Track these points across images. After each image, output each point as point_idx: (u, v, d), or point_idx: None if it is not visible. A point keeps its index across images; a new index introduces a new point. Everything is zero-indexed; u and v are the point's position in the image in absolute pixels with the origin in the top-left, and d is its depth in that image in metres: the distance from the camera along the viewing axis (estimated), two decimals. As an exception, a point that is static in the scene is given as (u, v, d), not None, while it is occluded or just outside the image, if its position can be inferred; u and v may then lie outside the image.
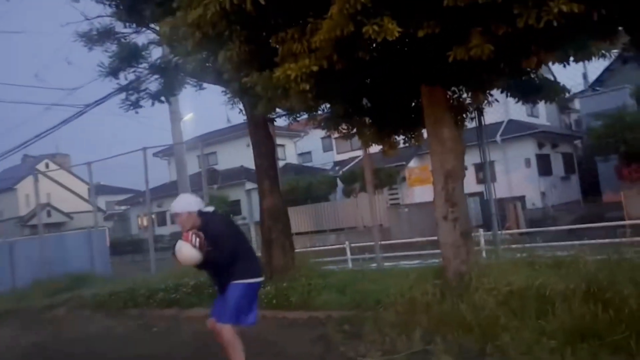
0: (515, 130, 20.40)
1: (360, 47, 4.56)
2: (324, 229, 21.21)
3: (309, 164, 33.32)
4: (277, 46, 4.90)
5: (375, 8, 4.05)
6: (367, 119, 7.13)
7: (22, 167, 42.96)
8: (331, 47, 4.52)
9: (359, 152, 24.96)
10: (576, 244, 7.95)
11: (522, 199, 18.17)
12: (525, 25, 4.12)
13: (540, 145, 21.10)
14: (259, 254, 10.49)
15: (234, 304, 4.10)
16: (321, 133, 30.95)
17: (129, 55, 9.02)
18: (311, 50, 4.67)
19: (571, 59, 5.06)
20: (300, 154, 34.44)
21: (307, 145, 33.43)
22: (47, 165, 43.25)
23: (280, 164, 31.39)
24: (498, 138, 20.20)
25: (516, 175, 20.01)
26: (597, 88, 25.48)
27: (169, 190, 32.15)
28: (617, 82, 20.55)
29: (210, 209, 4.46)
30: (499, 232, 7.55)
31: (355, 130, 7.41)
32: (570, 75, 16.15)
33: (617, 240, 7.88)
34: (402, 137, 7.46)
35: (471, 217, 20.71)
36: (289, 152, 32.30)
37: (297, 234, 20.99)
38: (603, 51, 5.03)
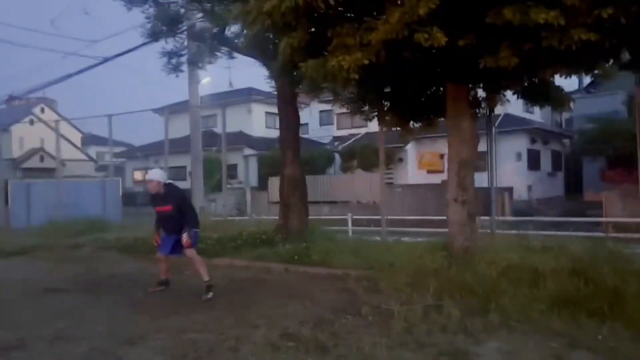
0: (511, 124, 21.27)
1: (407, 48, 5.35)
2: (318, 200, 22.09)
3: (305, 136, 34.01)
4: (333, 38, 5.65)
5: (427, 19, 4.82)
6: (387, 104, 7.96)
7: (19, 109, 42.92)
8: (382, 46, 5.29)
9: (359, 130, 25.81)
10: (560, 234, 9.03)
11: (510, 190, 19.19)
12: (548, 45, 4.95)
13: (533, 141, 22.10)
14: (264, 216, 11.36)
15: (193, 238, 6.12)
16: (320, 106, 31.70)
17: (169, 21, 9.65)
18: (362, 45, 5.44)
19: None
20: (298, 125, 35.00)
21: (305, 118, 34.01)
22: (42, 110, 43.32)
23: (277, 132, 32.17)
24: (494, 130, 21.10)
25: (506, 167, 21.00)
26: (592, 90, 26.50)
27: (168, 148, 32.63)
28: (610, 87, 21.46)
29: (169, 181, 6.39)
30: (496, 218, 8.47)
31: (376, 112, 8.26)
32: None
33: (596, 234, 8.94)
34: (418, 123, 8.28)
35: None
36: (287, 122, 32.85)
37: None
38: (607, 69, 5.90)
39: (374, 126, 25.77)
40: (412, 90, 7.26)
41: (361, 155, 22.29)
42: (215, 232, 9.35)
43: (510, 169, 20.97)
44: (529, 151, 21.75)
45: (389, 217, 15.48)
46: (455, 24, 5.10)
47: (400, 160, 22.91)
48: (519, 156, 21.37)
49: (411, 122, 8.23)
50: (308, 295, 5.77)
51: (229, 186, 27.75)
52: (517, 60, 5.19)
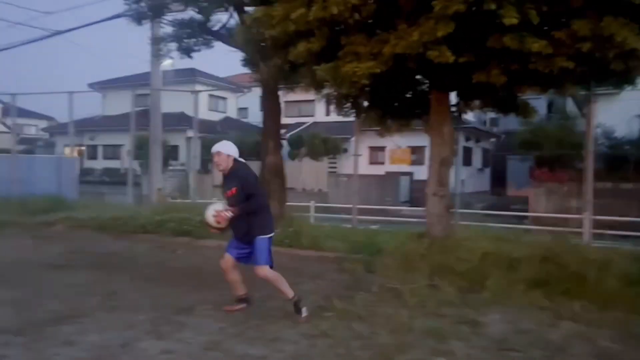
0: (448, 122, 22.86)
1: (412, 60, 6.10)
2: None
3: (245, 120, 34.14)
4: (344, 45, 6.28)
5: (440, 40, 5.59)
6: (366, 103, 8.70)
7: None
8: (392, 56, 6.01)
9: (306, 119, 26.44)
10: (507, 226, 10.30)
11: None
12: (534, 68, 5.88)
13: (467, 139, 23.84)
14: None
15: (265, 252, 4.77)
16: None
17: (155, 6, 9.83)
18: (372, 54, 6.13)
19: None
20: (239, 109, 35.09)
21: (246, 102, 34.12)
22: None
23: (220, 116, 32.02)
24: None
25: (443, 162, 22.60)
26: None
27: (102, 125, 31.64)
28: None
29: (242, 160, 4.89)
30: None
31: (356, 111, 8.97)
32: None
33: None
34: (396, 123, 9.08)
35: (401, 194, 22.96)
36: (230, 106, 32.87)
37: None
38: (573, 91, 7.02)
39: (320, 115, 26.44)
40: (395, 94, 8.04)
41: (308, 144, 22.98)
42: (187, 214, 9.61)
43: (446, 164, 22.55)
44: (464, 148, 23.46)
45: (339, 205, 16.47)
46: (459, 45, 5.90)
47: (345, 150, 23.87)
48: (455, 152, 22.98)
49: (389, 122, 9.04)
50: (314, 275, 6.42)
51: (171, 168, 27.68)
52: (505, 78, 6.10)
